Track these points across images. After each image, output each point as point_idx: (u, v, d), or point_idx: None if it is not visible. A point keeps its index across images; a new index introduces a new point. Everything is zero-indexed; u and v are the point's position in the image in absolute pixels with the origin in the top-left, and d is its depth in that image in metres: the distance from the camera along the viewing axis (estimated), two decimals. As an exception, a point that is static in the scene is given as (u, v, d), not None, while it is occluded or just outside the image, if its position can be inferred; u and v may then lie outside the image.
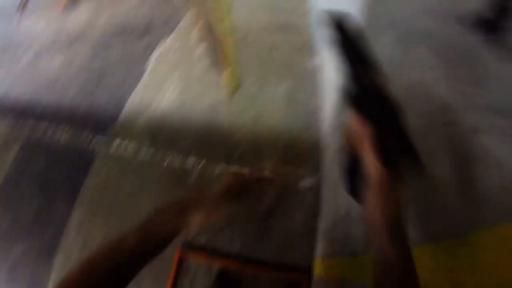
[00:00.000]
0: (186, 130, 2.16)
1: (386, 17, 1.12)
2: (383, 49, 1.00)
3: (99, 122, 2.40)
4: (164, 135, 2.16)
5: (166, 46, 3.04)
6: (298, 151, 2.03)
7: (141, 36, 3.27)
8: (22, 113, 2.66)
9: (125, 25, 3.52)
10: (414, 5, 0.97)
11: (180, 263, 1.63)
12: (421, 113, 0.74)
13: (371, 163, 0.44)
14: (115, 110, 2.45)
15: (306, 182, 1.83)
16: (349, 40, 0.46)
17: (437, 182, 0.69)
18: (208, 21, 2.72)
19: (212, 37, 2.49)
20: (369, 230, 0.46)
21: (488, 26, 0.66)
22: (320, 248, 1.57)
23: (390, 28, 1.03)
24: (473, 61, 0.60)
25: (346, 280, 1.16)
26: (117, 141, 2.19)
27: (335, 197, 1.46)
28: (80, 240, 1.87)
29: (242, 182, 0.64)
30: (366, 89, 0.43)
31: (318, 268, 1.52)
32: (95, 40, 3.40)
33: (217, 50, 2.26)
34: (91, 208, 1.95)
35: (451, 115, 0.65)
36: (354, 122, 0.45)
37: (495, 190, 0.57)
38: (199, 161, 1.95)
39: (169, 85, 2.56)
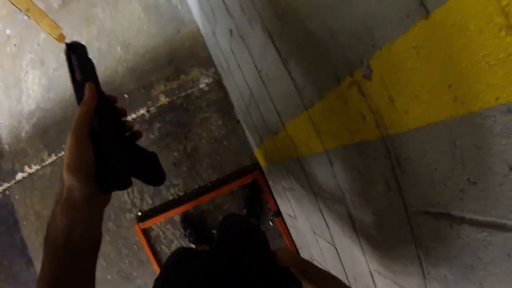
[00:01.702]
0: (69, 110, 1.85)
1: None
2: None
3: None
4: (53, 130, 1.87)
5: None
6: (182, 56, 1.71)
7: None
8: None
9: None
10: None
11: (146, 235, 1.53)
12: None
13: None
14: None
15: (204, 81, 1.58)
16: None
17: None
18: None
19: None
20: None
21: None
22: (251, 138, 1.42)
23: None
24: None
25: (284, 162, 1.06)
26: (19, 175, 1.89)
27: (235, 79, 1.22)
28: None
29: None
30: None
31: (260, 159, 1.40)
32: None
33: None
34: None
35: None
36: None
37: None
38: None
39: (26, 73, 2.11)
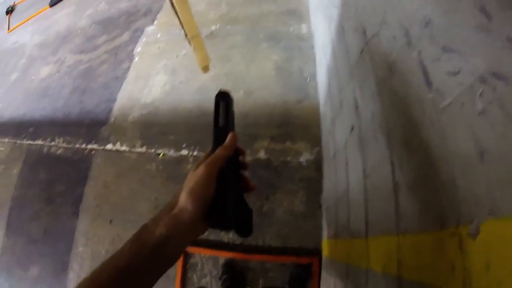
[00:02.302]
0: (175, 121, 2.04)
1: None
2: None
3: (91, 127, 2.33)
4: (155, 129, 2.05)
5: (150, 35, 2.89)
6: (295, 125, 1.86)
7: (124, 29, 3.14)
8: (18, 132, 2.64)
9: (107, 21, 3.41)
10: None
11: (186, 258, 1.56)
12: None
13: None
14: (105, 111, 2.37)
15: (306, 157, 1.67)
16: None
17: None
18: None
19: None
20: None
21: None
22: (325, 228, 1.43)
23: None
24: None
25: (349, 265, 1.03)
26: (109, 145, 2.10)
27: (336, 171, 1.29)
28: (88, 250, 1.83)
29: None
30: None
31: (325, 249, 1.39)
32: (79, 41, 3.31)
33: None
34: (94, 216, 1.90)
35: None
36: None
37: None
38: (192, 151, 1.83)
39: (157, 73, 2.44)
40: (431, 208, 0.50)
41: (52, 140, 2.44)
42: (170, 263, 0.46)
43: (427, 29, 0.52)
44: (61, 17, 3.94)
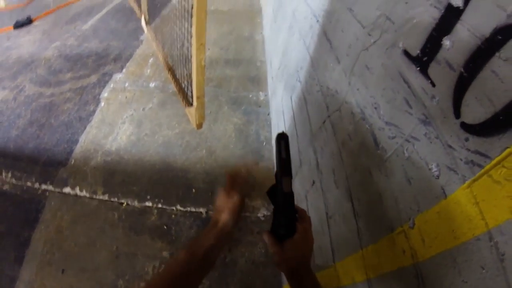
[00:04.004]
0: (140, 172, 2.16)
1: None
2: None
3: (48, 166, 2.31)
4: (119, 177, 2.14)
5: (118, 83, 3.03)
6: (252, 183, 2.12)
7: (93, 71, 3.23)
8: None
9: (75, 58, 3.47)
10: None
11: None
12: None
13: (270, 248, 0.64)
14: (65, 152, 2.38)
15: (263, 213, 1.92)
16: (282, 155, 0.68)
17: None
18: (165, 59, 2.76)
19: (177, 75, 2.55)
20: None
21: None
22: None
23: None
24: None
25: None
26: (67, 188, 2.12)
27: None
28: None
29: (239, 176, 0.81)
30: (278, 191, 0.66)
31: None
32: (43, 72, 3.30)
33: (182, 87, 2.31)
34: (42, 264, 1.81)
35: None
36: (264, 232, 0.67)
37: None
38: (156, 203, 1.96)
39: (123, 123, 2.56)
40: (383, 222, 0.75)
41: (0, 172, 2.35)
42: (213, 265, 0.64)
43: (376, 110, 0.82)
44: (26, 42, 3.88)
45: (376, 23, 0.87)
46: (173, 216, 1.91)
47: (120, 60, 3.37)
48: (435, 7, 0.62)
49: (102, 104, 2.77)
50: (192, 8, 1.54)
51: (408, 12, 0.72)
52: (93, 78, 3.10)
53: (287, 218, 0.64)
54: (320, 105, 1.29)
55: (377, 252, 0.79)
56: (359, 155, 0.92)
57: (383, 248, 0.76)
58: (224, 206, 0.70)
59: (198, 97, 1.86)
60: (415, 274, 0.63)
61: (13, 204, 2.15)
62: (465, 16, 0.54)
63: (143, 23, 3.66)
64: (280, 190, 0.64)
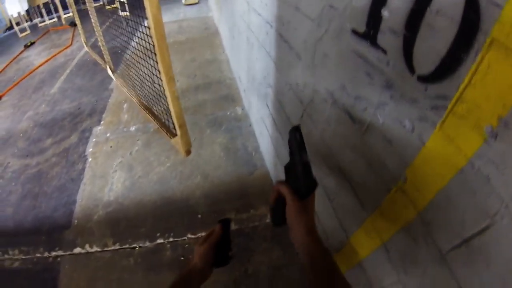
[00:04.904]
0: (143, 213, 2.21)
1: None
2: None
3: (52, 233, 2.33)
4: (124, 224, 2.18)
5: (99, 135, 3.09)
6: (253, 194, 2.20)
7: (71, 131, 3.28)
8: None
9: (51, 123, 3.50)
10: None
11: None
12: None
13: (288, 198, 0.70)
14: (65, 215, 2.40)
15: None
16: (298, 139, 0.77)
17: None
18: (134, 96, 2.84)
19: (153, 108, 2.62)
20: (295, 239, 0.67)
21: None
22: None
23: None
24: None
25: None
26: (77, 249, 2.15)
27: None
28: None
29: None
30: (296, 162, 0.75)
31: None
32: (23, 144, 3.32)
33: (163, 122, 2.38)
34: None
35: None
36: (278, 182, 0.76)
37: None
38: (167, 238, 2.01)
39: (115, 171, 2.61)
40: (379, 187, 0.81)
41: (5, 253, 2.35)
42: None
43: (344, 90, 0.90)
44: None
45: (322, 14, 0.95)
46: (186, 245, 1.96)
47: (96, 113, 3.43)
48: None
49: (90, 159, 2.81)
50: (154, 47, 1.64)
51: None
52: (74, 138, 3.15)
53: (306, 180, 0.71)
54: (294, 102, 1.37)
55: (382, 215, 0.85)
56: (340, 135, 1.00)
57: (386, 210, 0.82)
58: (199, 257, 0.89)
59: (180, 126, 1.95)
60: (422, 222, 0.68)
61: (28, 279, 2.15)
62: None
63: (109, 72, 3.75)
64: (299, 161, 0.74)
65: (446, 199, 0.59)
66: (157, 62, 1.71)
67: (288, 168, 0.80)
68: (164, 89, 1.83)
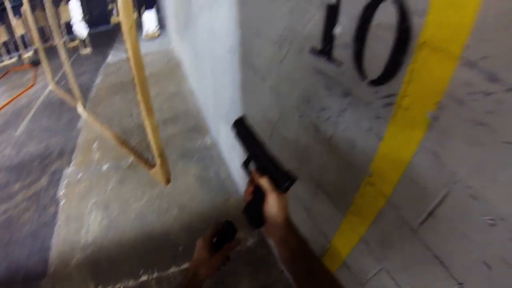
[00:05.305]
0: (124, 251, 2.22)
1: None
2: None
3: (28, 283, 2.26)
4: (105, 265, 2.18)
5: (71, 176, 3.07)
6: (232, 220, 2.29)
7: (41, 173, 3.23)
8: None
9: (18, 166, 3.42)
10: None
11: None
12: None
13: (267, 190, 0.68)
14: (41, 262, 2.34)
15: (251, 241, 2.10)
16: (247, 131, 0.75)
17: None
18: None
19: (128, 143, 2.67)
20: (274, 233, 0.67)
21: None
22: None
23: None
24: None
25: None
26: (57, 296, 2.12)
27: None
28: None
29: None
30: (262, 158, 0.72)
31: None
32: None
33: (141, 153, 2.44)
34: None
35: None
36: (255, 174, 0.72)
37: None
38: (151, 274, 2.05)
39: (90, 212, 2.61)
40: (350, 185, 0.87)
41: (-23, 310, 2.26)
42: None
43: (308, 104, 0.96)
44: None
45: (282, 37, 1.04)
46: (171, 279, 2.00)
47: (65, 154, 3.41)
48: (319, 8, 0.78)
49: (62, 202, 2.78)
50: (132, 79, 1.72)
51: (303, 18, 0.87)
52: (44, 181, 3.10)
53: (283, 172, 0.69)
54: (264, 123, 1.44)
55: (356, 211, 0.90)
56: (309, 146, 1.07)
57: (359, 205, 0.88)
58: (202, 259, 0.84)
59: (159, 155, 2.02)
60: (391, 206, 0.73)
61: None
62: (342, 8, 0.71)
63: (79, 109, 3.75)
64: (262, 155, 0.72)
65: (408, 180, 0.66)
66: (137, 94, 1.78)
67: (246, 164, 0.76)
68: (143, 120, 1.90)
